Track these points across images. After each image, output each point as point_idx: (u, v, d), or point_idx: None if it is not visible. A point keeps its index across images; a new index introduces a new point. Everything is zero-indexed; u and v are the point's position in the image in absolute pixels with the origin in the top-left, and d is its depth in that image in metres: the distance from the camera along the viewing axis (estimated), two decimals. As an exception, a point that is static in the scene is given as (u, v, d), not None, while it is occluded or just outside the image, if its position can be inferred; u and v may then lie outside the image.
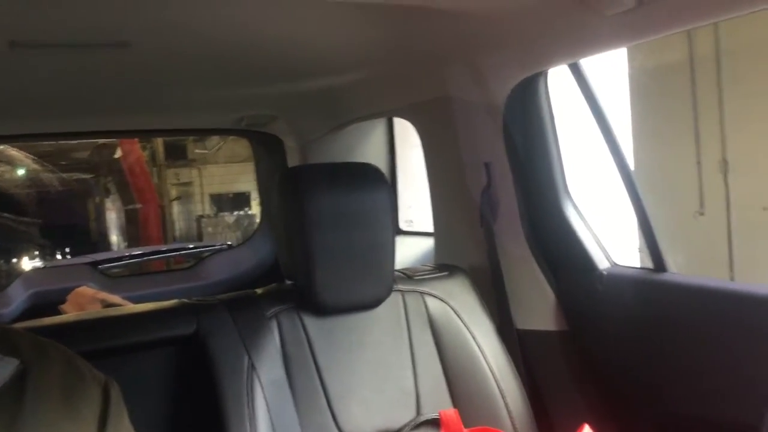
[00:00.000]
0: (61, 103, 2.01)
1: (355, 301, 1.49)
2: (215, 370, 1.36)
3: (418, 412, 1.49)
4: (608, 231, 1.70)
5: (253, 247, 2.91)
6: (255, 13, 1.32)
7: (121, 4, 1.22)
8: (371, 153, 2.59)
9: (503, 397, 1.52)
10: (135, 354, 1.40)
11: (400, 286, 1.58)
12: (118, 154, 11.78)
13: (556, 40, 1.41)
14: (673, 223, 3.50)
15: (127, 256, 3.37)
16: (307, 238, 1.42)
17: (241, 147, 9.69)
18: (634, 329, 1.49)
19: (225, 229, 13.53)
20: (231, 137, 7.55)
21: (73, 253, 8.14)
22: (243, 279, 2.73)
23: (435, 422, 1.47)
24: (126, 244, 13.38)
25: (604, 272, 1.58)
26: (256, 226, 3.22)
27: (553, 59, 1.50)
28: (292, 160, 2.64)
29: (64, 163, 10.54)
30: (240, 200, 13.95)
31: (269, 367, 1.38)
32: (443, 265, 1.73)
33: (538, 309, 1.67)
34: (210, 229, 13.65)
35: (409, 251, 2.41)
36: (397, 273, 1.60)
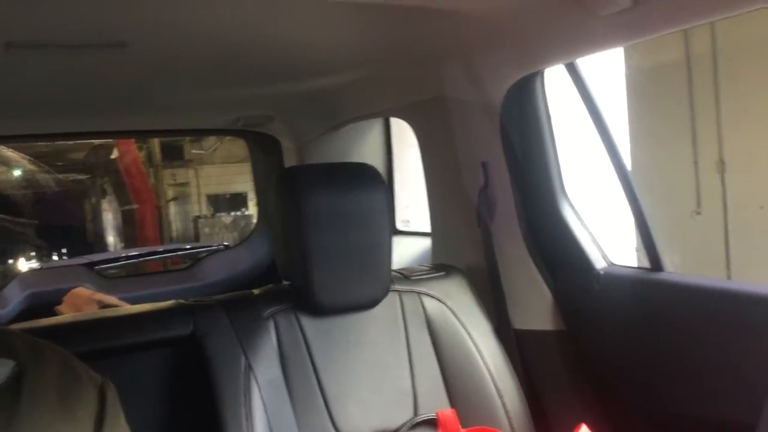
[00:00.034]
0: (58, 103, 2.01)
1: (352, 301, 1.49)
2: (212, 370, 1.36)
3: (416, 412, 1.49)
4: (605, 230, 1.70)
5: (250, 248, 2.91)
6: (251, 13, 1.32)
7: (117, 5, 1.22)
8: (368, 153, 2.59)
9: (500, 396, 1.52)
10: (131, 355, 1.40)
11: (397, 287, 1.58)
12: (115, 154, 11.76)
13: (553, 39, 1.42)
14: (670, 223, 3.50)
15: (123, 256, 3.37)
16: (304, 239, 1.42)
17: (238, 147, 9.70)
18: (631, 329, 1.49)
19: (222, 230, 13.52)
20: (228, 137, 7.55)
21: (69, 254, 8.12)
22: (240, 279, 2.72)
23: (432, 422, 1.47)
24: (122, 244, 13.36)
25: (601, 272, 1.58)
26: (253, 226, 3.22)
27: (549, 59, 1.50)
28: (289, 161, 2.63)
29: (60, 163, 10.52)
30: (237, 201, 13.95)
31: (266, 368, 1.38)
32: (440, 265, 1.73)
33: (536, 309, 1.67)
34: (207, 230, 13.65)
35: (406, 251, 2.41)
36: (394, 273, 1.60)
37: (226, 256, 3.04)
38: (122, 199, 13.00)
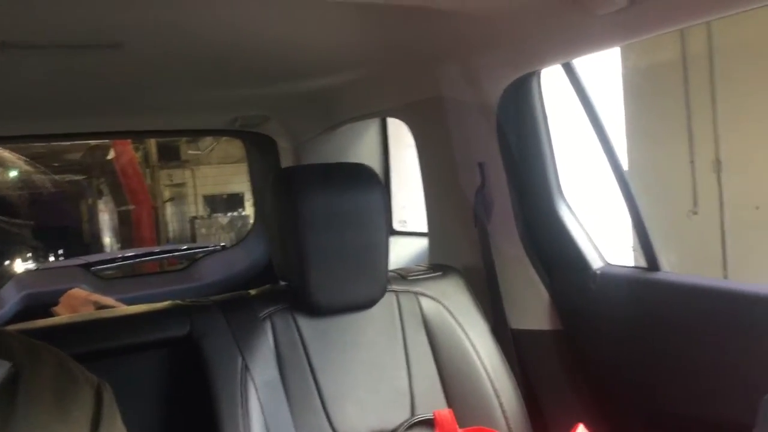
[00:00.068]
0: (54, 104, 2.00)
1: (348, 301, 1.49)
2: (209, 371, 1.36)
3: (413, 412, 1.49)
4: (602, 230, 1.70)
5: (246, 248, 2.91)
6: (248, 14, 1.32)
7: (113, 5, 1.22)
8: (365, 153, 2.59)
9: (498, 396, 1.52)
10: (128, 356, 1.39)
11: (394, 287, 1.57)
12: (111, 155, 11.75)
13: (549, 39, 1.42)
14: (667, 223, 3.50)
15: (120, 257, 3.37)
16: (301, 239, 1.42)
17: (235, 148, 9.67)
18: (628, 328, 1.49)
19: (218, 230, 13.51)
20: (224, 138, 7.54)
21: (65, 255, 8.09)
22: (236, 280, 2.72)
23: (429, 422, 1.47)
24: (119, 245, 13.35)
25: (598, 271, 1.58)
26: (249, 227, 3.22)
27: (545, 59, 1.50)
28: (286, 161, 2.63)
29: (56, 164, 10.50)
30: (233, 201, 13.93)
31: (263, 368, 1.38)
32: (437, 265, 1.73)
33: (532, 308, 1.67)
34: (203, 231, 13.63)
35: (402, 251, 2.42)
36: (391, 273, 1.60)
37: (222, 257, 3.03)
38: (119, 199, 12.99)
